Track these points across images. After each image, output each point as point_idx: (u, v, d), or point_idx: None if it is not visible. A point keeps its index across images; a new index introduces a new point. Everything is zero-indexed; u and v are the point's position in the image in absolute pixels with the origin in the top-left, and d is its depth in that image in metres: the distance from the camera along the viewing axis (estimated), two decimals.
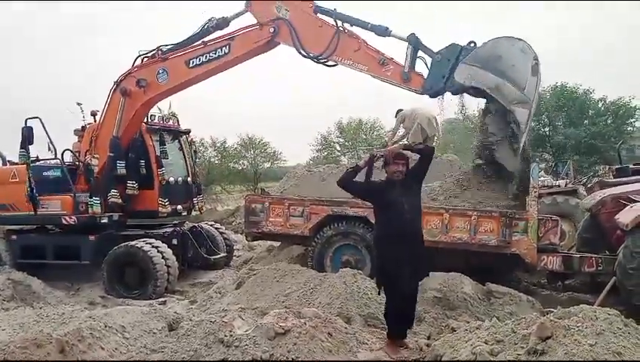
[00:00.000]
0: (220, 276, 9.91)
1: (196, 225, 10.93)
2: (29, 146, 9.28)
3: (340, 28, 8.01)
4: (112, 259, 8.90)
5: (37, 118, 9.32)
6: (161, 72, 9.12)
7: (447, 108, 8.28)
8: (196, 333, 4.51)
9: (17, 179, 9.48)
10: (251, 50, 8.66)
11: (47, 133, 9.43)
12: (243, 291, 7.24)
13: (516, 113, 7.20)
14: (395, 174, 5.12)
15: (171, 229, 9.99)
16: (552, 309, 5.01)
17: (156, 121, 10.21)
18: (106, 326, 4.46)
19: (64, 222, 9.36)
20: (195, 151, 11.48)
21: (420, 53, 7.79)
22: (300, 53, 8.21)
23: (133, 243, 8.92)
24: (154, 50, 9.23)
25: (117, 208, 9.53)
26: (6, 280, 8.27)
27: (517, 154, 7.44)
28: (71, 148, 10.02)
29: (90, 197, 9.26)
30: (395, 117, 11.27)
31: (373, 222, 7.53)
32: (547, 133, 27.35)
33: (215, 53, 8.73)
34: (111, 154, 9.33)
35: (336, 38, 7.96)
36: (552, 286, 8.44)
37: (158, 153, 9.80)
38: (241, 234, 11.98)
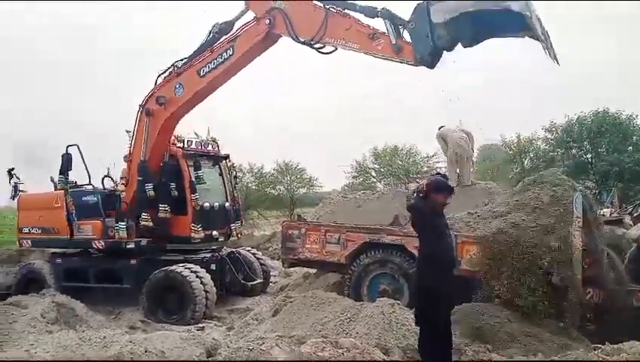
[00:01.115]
0: (256, 302, 9.94)
1: (234, 250, 11.00)
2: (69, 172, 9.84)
3: (332, 9, 7.95)
4: (152, 284, 9.06)
5: (75, 145, 9.78)
6: (177, 86, 9.47)
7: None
8: (234, 361, 4.52)
9: (59, 204, 9.93)
10: (253, 45, 8.81)
11: (83, 160, 9.89)
12: (280, 318, 7.22)
13: (512, 5, 6.52)
14: (445, 206, 5.13)
15: (210, 254, 10.08)
16: (600, 345, 4.84)
17: (193, 146, 10.39)
18: (146, 351, 4.53)
19: (94, 246, 9.71)
20: (235, 177, 11.61)
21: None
22: (294, 39, 8.29)
23: (172, 268, 9.05)
24: (170, 67, 9.57)
25: (146, 233, 9.71)
26: (50, 303, 8.47)
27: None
28: (110, 175, 10.40)
29: (116, 222, 9.55)
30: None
31: (410, 250, 7.45)
32: (590, 160, 26.63)
33: (221, 57, 8.98)
34: (140, 178, 9.61)
35: (325, 18, 7.90)
36: (599, 320, 8.11)
37: (192, 178, 9.92)
38: (277, 260, 12.01)
